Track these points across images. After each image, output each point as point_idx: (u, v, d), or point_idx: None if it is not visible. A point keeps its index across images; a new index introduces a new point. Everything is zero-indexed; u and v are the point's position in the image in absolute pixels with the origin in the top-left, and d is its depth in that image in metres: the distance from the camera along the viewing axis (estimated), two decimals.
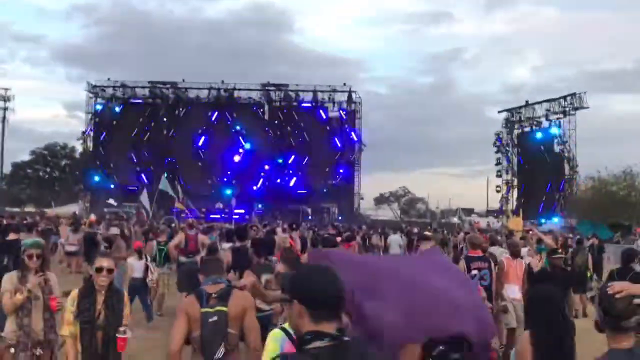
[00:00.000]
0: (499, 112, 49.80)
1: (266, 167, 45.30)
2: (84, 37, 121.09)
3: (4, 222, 18.31)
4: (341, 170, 45.44)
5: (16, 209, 45.15)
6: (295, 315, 2.04)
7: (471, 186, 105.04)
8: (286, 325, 2.97)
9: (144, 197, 30.38)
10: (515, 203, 47.28)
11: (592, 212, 38.97)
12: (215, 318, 3.79)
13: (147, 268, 9.51)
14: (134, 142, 45.52)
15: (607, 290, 2.49)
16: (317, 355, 1.91)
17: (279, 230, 14.96)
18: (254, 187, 44.84)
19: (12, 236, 8.92)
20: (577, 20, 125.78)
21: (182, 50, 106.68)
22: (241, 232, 8.10)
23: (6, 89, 51.91)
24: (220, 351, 3.80)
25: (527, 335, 3.47)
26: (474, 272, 7.32)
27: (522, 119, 47.09)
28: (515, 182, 48.06)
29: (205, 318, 3.70)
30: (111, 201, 39.96)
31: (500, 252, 9.40)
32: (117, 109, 46.46)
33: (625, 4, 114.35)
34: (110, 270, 4.22)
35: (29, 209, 46.72)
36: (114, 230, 13.49)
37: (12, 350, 4.61)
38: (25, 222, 18.37)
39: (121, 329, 4.05)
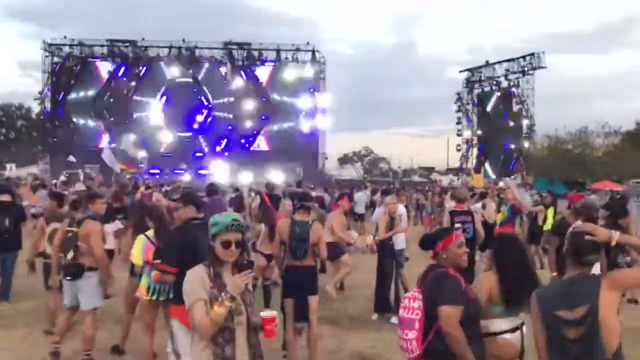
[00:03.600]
0: (460, 72, 50.54)
1: (229, 127, 45.13)
2: None
3: None
4: (306, 130, 45.56)
5: None
6: None
7: (432, 145, 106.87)
8: (148, 233, 5.46)
9: (107, 155, 29.92)
10: (475, 161, 48.50)
11: (549, 170, 40.45)
12: (69, 235, 5.87)
13: None
14: (94, 101, 44.53)
15: (579, 229, 2.94)
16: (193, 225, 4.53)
17: (244, 189, 15.29)
18: (218, 148, 44.79)
19: (5, 197, 8.84)
20: None
21: (141, 7, 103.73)
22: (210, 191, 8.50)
23: None
24: (70, 255, 5.75)
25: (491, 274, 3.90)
26: (457, 225, 7.73)
27: (482, 78, 47.88)
28: (475, 141, 49.14)
29: (65, 234, 5.91)
30: (71, 158, 39.39)
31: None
32: (75, 68, 45.20)
33: None
34: None
35: None
36: (80, 187, 13.24)
37: None
38: None
39: None
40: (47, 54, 44.75)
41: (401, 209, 8.97)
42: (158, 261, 5.01)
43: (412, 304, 3.42)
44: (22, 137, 55.94)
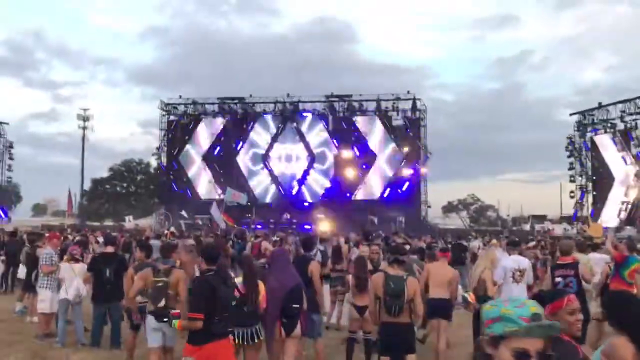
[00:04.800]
0: (571, 114, 48.08)
1: (332, 177, 45.73)
2: (157, 58, 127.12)
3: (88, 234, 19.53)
4: (407, 179, 45.17)
5: (96, 223, 47.63)
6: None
7: (543, 192, 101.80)
8: (237, 279, 5.95)
9: (214, 209, 31.33)
10: (590, 209, 45.48)
11: None
12: (160, 284, 6.49)
13: None
14: (206, 156, 47.19)
15: None
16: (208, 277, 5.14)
17: (341, 240, 15.21)
18: (320, 198, 45.37)
19: (109, 249, 9.61)
20: None
21: (250, 66, 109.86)
22: (307, 244, 8.42)
23: (85, 109, 55.11)
24: (162, 302, 6.43)
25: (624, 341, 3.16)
26: (558, 279, 7.20)
27: (595, 121, 45.31)
28: (590, 187, 46.23)
29: (154, 284, 6.47)
30: (183, 213, 41.58)
31: (601, 257, 9.24)
32: (189, 125, 48.28)
33: None
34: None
35: (108, 222, 49.16)
36: (190, 242, 14.10)
37: None
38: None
39: None
40: (164, 112, 48.25)
41: (525, 262, 8.46)
42: (176, 311, 5.51)
43: None
44: (141, 190, 59.76)
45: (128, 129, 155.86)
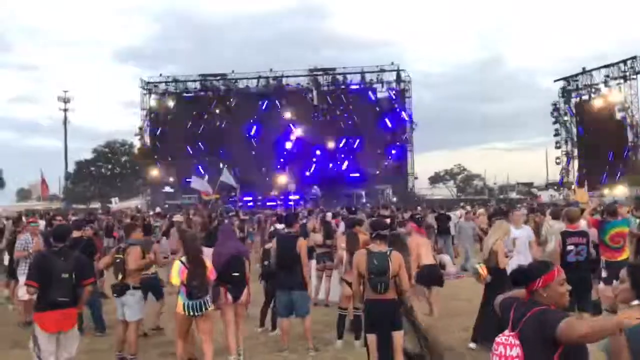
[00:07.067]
0: (555, 81, 48.05)
1: (317, 152, 45.42)
2: (138, 37, 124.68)
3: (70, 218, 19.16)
4: (393, 151, 45.05)
5: (82, 206, 47.08)
6: None
7: (529, 160, 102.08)
8: (183, 258, 6.33)
9: (196, 183, 30.81)
10: (576, 174, 45.72)
11: None
12: (117, 260, 7.14)
13: None
14: (189, 135, 46.54)
15: None
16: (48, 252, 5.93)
17: (328, 215, 15.04)
18: (307, 173, 45.04)
19: (75, 234, 9.19)
20: None
21: (231, 42, 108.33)
22: (289, 219, 8.17)
23: (65, 91, 54.14)
24: (119, 276, 7.06)
25: None
26: (570, 247, 7.07)
27: (580, 87, 45.27)
28: (576, 153, 46.40)
29: (114, 260, 7.19)
30: (167, 189, 41.12)
31: (560, 227, 9.08)
32: (171, 104, 47.53)
33: None
34: None
35: (94, 205, 48.62)
36: (179, 218, 13.86)
37: None
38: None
39: None
40: (145, 91, 47.47)
41: (526, 231, 8.59)
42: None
43: (509, 353, 2.86)
44: (126, 171, 59.11)
45: (111, 110, 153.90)
